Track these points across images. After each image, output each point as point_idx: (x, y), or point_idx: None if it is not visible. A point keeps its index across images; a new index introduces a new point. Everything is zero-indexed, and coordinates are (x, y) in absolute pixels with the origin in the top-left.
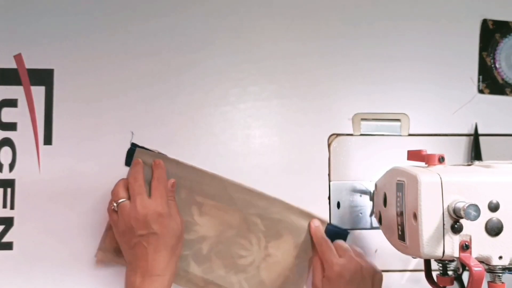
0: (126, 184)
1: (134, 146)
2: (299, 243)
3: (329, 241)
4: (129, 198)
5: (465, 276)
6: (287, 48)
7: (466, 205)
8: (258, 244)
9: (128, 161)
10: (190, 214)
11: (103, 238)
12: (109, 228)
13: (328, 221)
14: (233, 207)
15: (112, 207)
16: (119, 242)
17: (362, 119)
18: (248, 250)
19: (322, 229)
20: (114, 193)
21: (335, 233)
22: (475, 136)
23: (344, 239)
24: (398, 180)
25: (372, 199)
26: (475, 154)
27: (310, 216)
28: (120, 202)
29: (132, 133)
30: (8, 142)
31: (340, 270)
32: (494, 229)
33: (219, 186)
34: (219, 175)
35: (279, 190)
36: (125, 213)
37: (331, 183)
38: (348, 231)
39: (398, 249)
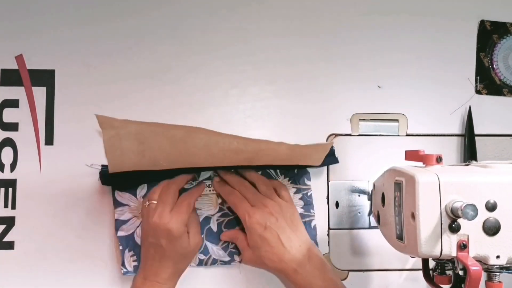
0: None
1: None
2: None
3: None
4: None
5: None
6: (287, 49)
7: (464, 205)
8: None
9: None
10: None
11: None
12: None
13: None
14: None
15: (145, 204)
16: (141, 236)
17: (361, 120)
18: None
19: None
20: (152, 191)
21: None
22: (471, 136)
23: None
24: (396, 180)
25: (370, 198)
26: (471, 154)
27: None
28: (151, 203)
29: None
30: (9, 142)
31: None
32: (491, 229)
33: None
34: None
35: None
36: (147, 215)
37: (329, 183)
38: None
39: (396, 249)
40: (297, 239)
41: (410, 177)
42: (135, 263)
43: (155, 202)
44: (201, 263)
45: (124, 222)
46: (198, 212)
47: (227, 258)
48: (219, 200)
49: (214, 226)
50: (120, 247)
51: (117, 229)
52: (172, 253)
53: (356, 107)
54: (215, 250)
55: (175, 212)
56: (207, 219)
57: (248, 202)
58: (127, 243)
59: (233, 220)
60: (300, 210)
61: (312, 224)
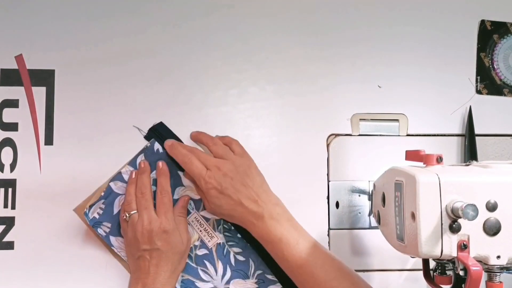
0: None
1: (154, 131)
2: None
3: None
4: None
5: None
6: (286, 49)
7: (464, 205)
8: None
9: (148, 137)
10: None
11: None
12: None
13: None
14: None
15: (124, 217)
16: (126, 251)
17: (361, 120)
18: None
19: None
20: (126, 203)
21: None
22: (471, 136)
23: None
24: (396, 180)
25: (370, 198)
26: (471, 154)
27: None
28: (132, 214)
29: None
30: (9, 142)
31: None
32: (492, 229)
33: None
34: None
35: (278, 190)
36: (133, 226)
37: (330, 183)
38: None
39: (397, 249)
40: (253, 193)
41: (411, 177)
42: (97, 216)
43: (135, 211)
44: None
45: (123, 181)
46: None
47: None
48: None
49: None
50: (102, 193)
51: (113, 178)
52: (169, 254)
53: (356, 107)
54: None
55: (160, 213)
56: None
57: (203, 165)
58: (109, 195)
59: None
60: None
61: None
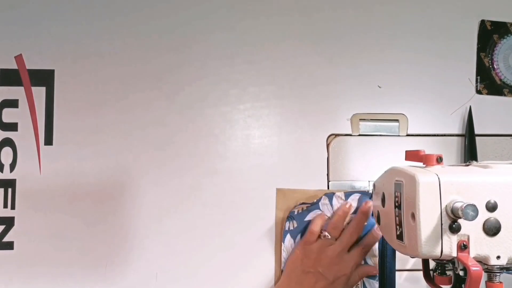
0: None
1: None
2: None
3: None
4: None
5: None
6: (287, 49)
7: (464, 205)
8: None
9: None
10: None
11: None
12: None
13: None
14: None
15: (323, 235)
16: (301, 256)
17: (361, 120)
18: None
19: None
20: (333, 225)
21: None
22: (471, 136)
23: None
24: (396, 180)
25: (370, 199)
26: (471, 154)
27: None
28: (327, 236)
29: None
30: (9, 142)
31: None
32: (492, 229)
33: None
34: None
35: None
36: (324, 246)
37: (330, 183)
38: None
39: (397, 249)
40: None
41: (411, 177)
42: (295, 212)
43: (329, 236)
44: None
45: (331, 202)
46: None
47: None
48: None
49: None
50: (315, 200)
51: (327, 193)
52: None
53: (356, 107)
54: None
55: (353, 259)
56: None
57: None
58: (314, 204)
59: None
60: None
61: None
